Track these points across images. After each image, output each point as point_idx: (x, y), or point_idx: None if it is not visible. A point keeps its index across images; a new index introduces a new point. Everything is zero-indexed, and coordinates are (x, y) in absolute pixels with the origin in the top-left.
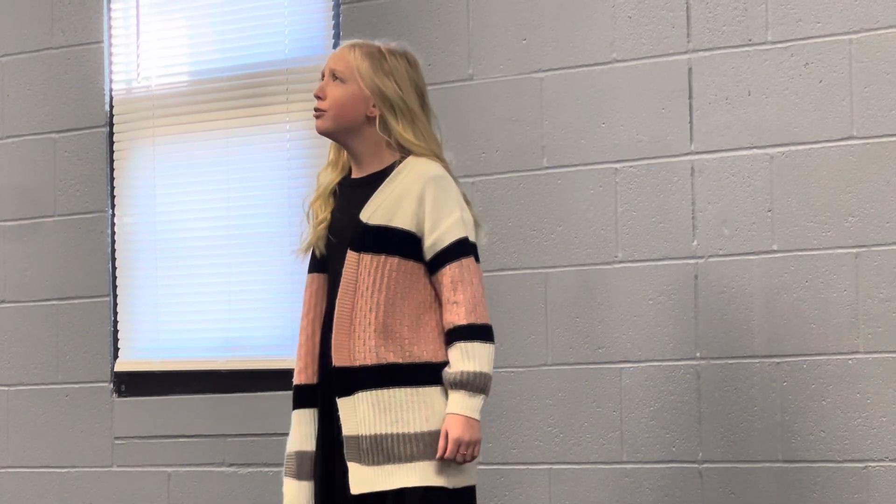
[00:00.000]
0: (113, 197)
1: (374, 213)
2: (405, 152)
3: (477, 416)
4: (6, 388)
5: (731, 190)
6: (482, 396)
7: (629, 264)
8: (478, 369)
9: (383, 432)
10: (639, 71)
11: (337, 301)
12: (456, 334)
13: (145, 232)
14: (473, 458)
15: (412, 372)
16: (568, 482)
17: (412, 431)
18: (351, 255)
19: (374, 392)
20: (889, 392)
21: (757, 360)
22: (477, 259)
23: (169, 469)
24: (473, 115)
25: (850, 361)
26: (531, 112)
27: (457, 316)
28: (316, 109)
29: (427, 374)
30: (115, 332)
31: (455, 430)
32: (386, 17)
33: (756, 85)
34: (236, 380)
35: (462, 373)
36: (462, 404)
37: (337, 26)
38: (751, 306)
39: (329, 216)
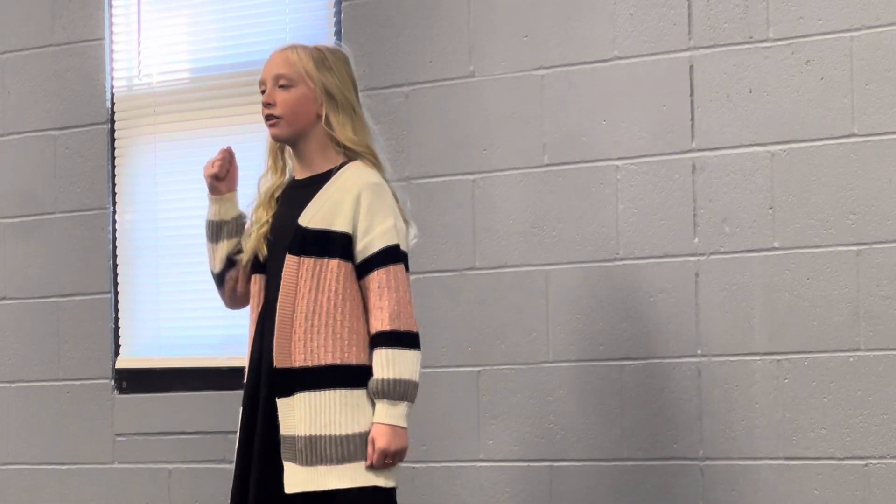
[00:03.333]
0: (114, 194)
1: (313, 216)
2: (347, 152)
3: (402, 424)
4: (7, 385)
5: (732, 187)
6: (405, 403)
7: (630, 261)
8: (398, 376)
9: (317, 433)
10: (640, 68)
11: (278, 304)
12: (378, 340)
13: (146, 229)
14: (396, 456)
15: (346, 374)
16: (569, 479)
17: (343, 433)
18: (290, 259)
19: (310, 393)
20: (890, 389)
21: (758, 358)
22: (407, 268)
23: (170, 466)
24: (474, 113)
25: (851, 359)
26: (532, 109)
27: (380, 322)
28: (269, 117)
29: (359, 376)
30: (116, 329)
31: (381, 441)
32: (387, 13)
33: (757, 82)
34: (237, 377)
35: (383, 381)
36: (385, 413)
37: (338, 23)
38: (752, 304)
39: (270, 219)
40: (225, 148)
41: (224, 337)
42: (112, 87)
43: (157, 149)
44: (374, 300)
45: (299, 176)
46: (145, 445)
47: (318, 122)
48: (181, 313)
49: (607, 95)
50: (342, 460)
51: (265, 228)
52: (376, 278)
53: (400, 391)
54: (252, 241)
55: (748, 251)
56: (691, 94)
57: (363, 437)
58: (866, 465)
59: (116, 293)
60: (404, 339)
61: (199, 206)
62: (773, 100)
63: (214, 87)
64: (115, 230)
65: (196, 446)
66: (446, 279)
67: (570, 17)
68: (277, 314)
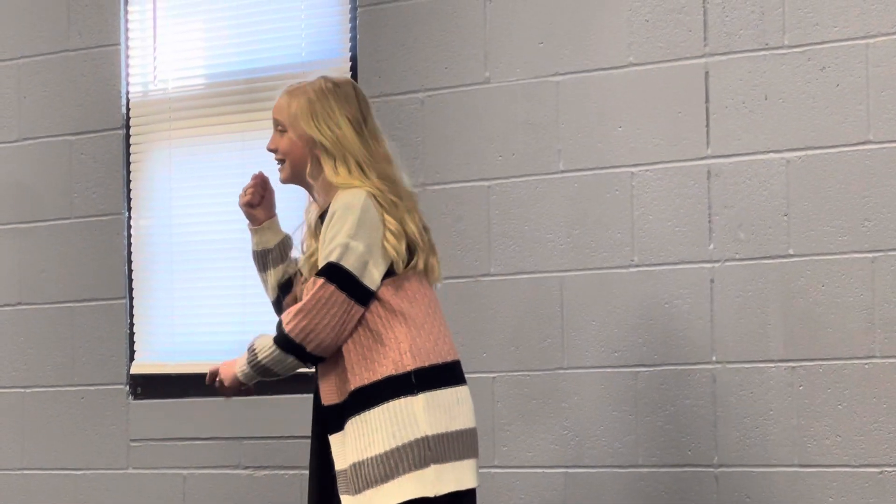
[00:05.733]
0: (129, 199)
1: (320, 253)
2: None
3: (237, 370)
4: (22, 390)
5: (747, 194)
6: (246, 359)
7: (645, 268)
8: (256, 349)
9: (360, 459)
10: (655, 75)
11: None
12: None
13: (161, 234)
14: (221, 384)
15: (376, 390)
16: (583, 486)
17: (381, 451)
18: None
19: (351, 422)
20: None
21: (773, 365)
22: (342, 287)
23: (184, 471)
24: (490, 119)
25: (866, 366)
26: (547, 115)
27: (285, 313)
28: (278, 161)
29: (390, 388)
30: (131, 334)
31: (223, 365)
32: (402, 19)
33: (772, 89)
34: None
35: (253, 340)
36: (241, 357)
37: (354, 29)
38: (767, 310)
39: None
40: (256, 174)
41: (239, 342)
42: (127, 92)
43: (172, 154)
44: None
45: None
46: (160, 451)
47: (316, 162)
48: (196, 318)
49: (623, 102)
50: (386, 478)
51: (315, 258)
52: (309, 283)
53: (251, 353)
54: (305, 273)
55: (763, 258)
56: (706, 101)
57: (403, 450)
58: (881, 472)
59: (131, 298)
60: (280, 336)
61: (214, 212)
62: (789, 106)
63: (230, 93)
64: (130, 235)
65: (211, 452)
66: (461, 285)
67: (585, 24)
68: None
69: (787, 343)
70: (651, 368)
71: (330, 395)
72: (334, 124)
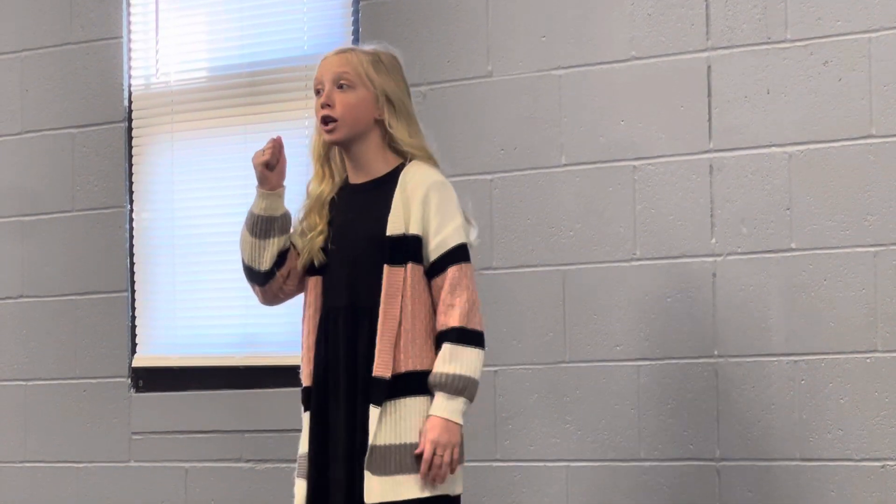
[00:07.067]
0: (131, 192)
1: (395, 224)
2: (403, 154)
3: (456, 419)
4: (24, 383)
5: (749, 188)
6: (463, 399)
7: (647, 262)
8: (460, 372)
9: (394, 443)
10: (657, 69)
11: (382, 314)
12: (446, 336)
13: (163, 227)
14: (453, 461)
15: (422, 380)
16: (585, 479)
17: (414, 441)
18: (390, 270)
19: (394, 402)
20: None
21: (775, 359)
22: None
23: (186, 465)
24: (492, 113)
25: (868, 360)
26: (550, 109)
27: (451, 318)
28: (326, 120)
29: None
30: (133, 327)
31: (432, 432)
32: (405, 12)
33: (775, 83)
34: (254, 376)
35: (443, 375)
36: (441, 406)
37: (356, 22)
38: (769, 304)
39: (326, 227)
40: (275, 137)
41: (241, 335)
42: (130, 85)
43: (174, 147)
44: (445, 296)
45: (354, 179)
46: (162, 444)
47: (374, 126)
48: (198, 312)
49: (625, 96)
50: (414, 469)
51: (322, 236)
52: (451, 275)
53: (459, 386)
54: (310, 247)
55: (765, 252)
56: (709, 95)
57: None
58: (883, 466)
59: (133, 291)
60: (470, 337)
61: (216, 205)
62: (791, 101)
63: (232, 86)
64: (132, 228)
65: (213, 445)
66: None
67: (587, 18)
68: (381, 324)
69: (790, 337)
70: (653, 362)
71: (384, 367)
72: (398, 83)
